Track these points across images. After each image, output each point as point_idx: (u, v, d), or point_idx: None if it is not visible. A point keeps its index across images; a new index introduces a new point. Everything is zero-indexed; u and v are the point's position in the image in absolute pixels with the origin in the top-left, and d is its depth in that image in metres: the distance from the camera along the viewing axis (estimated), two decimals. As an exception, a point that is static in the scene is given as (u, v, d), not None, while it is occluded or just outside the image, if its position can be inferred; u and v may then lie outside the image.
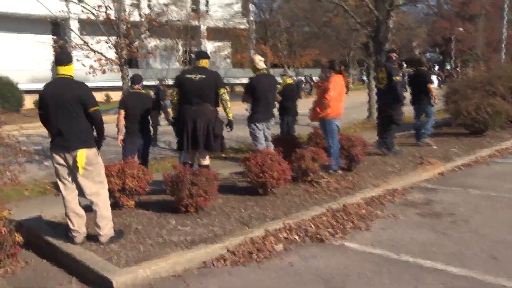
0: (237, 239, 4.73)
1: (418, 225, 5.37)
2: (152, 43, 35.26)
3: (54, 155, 4.56)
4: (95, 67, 9.38)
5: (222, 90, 6.09)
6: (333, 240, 4.96)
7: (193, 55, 41.17)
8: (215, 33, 40.65)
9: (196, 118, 6.00)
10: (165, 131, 13.42)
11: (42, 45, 10.02)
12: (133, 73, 7.15)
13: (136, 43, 9.72)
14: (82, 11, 9.67)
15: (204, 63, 6.19)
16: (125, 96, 6.95)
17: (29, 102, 26.92)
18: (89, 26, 10.59)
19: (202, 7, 42.32)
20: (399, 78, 8.19)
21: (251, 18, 42.74)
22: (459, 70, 40.90)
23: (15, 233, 4.48)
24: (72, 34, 12.08)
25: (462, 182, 7.27)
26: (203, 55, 6.27)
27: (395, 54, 8.43)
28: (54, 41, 30.44)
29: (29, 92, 26.72)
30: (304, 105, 9.79)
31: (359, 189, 6.59)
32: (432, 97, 9.63)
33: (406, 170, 7.71)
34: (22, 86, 26.59)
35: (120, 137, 6.78)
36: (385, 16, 8.46)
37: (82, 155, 4.50)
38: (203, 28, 41.09)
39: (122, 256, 4.36)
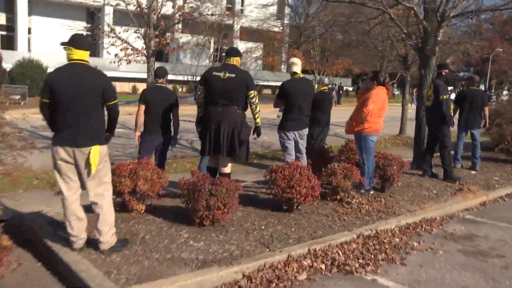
0: (256, 263, 4.15)
1: (461, 265, 4.70)
2: (184, 38, 35.08)
3: (60, 150, 4.04)
4: (120, 56, 8.89)
5: (252, 93, 5.53)
6: (364, 273, 4.33)
7: (223, 53, 40.57)
8: (248, 34, 40.28)
9: (220, 121, 5.46)
10: (188, 129, 12.94)
11: (74, 31, 9.70)
12: (159, 66, 6.60)
13: (167, 35, 9.19)
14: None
15: (235, 61, 5.62)
16: (147, 89, 6.40)
17: (57, 86, 26.80)
18: (121, 15, 10.15)
19: (237, 7, 42.00)
20: (446, 97, 7.50)
21: (285, 21, 42.18)
22: (493, 91, 39.51)
23: (2, 237, 3.96)
24: (105, 24, 11.77)
25: (508, 217, 6.54)
26: (234, 52, 5.70)
27: (446, 70, 7.72)
28: (87, 29, 30.55)
29: (57, 76, 26.63)
30: (332, 114, 9.13)
31: (393, 214, 5.94)
32: (485, 120, 9.00)
33: (444, 196, 7.02)
34: (51, 70, 26.54)
35: (137, 133, 6.25)
36: (435, 28, 7.76)
37: (96, 152, 4.07)
38: (236, 27, 40.76)
39: (123, 271, 3.82)
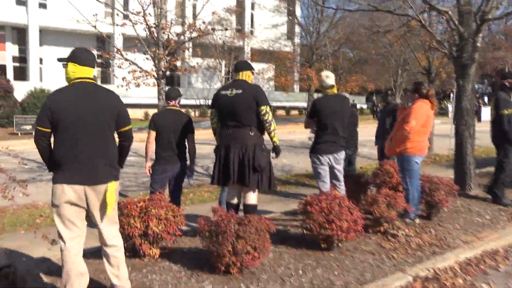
0: (298, 324, 3.32)
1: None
2: (195, 61, 34.72)
3: (67, 190, 3.29)
4: (128, 79, 8.22)
5: (263, 108, 4.73)
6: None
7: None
8: (260, 55, 39.86)
9: (229, 144, 4.76)
10: (203, 154, 12.19)
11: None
12: (169, 87, 5.85)
13: (177, 54, 8.51)
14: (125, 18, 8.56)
15: (245, 75, 4.91)
16: (157, 113, 5.65)
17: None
18: (130, 40, 9.42)
19: (247, 27, 41.69)
20: (507, 112, 6.61)
21: (296, 40, 41.73)
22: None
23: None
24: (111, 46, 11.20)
25: None
26: (243, 65, 4.97)
27: (510, 80, 6.85)
28: (98, 56, 30.30)
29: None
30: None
31: (448, 247, 5.08)
32: None
33: (500, 223, 6.13)
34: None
35: (148, 164, 5.50)
36: (473, 33, 6.97)
37: (113, 190, 3.41)
38: (247, 48, 40.37)
39: None
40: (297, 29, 41.54)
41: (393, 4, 9.96)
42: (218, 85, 39.77)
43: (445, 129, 17.35)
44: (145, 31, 8.32)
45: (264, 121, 4.77)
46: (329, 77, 5.57)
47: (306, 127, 5.92)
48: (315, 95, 40.09)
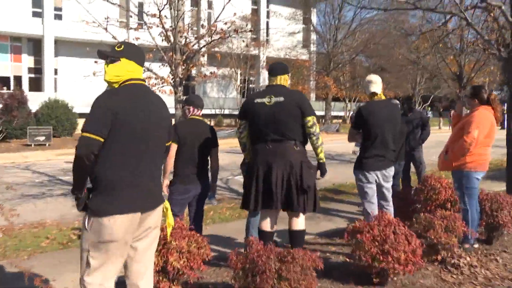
0: None
1: None
2: (210, 70, 34.18)
3: (123, 221, 2.60)
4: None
5: (310, 119, 4.02)
6: None
7: (251, 84, 39.95)
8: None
9: (271, 163, 3.97)
10: (220, 166, 11.49)
11: (97, 74, 8.97)
12: (190, 94, 5.11)
13: (195, 60, 7.83)
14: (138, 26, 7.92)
15: (282, 80, 4.17)
16: (180, 123, 4.87)
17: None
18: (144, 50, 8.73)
19: (263, 36, 41.12)
20: None
21: (313, 48, 41.07)
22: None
23: None
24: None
25: None
26: (280, 69, 4.20)
27: None
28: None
29: (83, 116, 25.99)
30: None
31: (522, 280, 4.27)
32: None
33: None
34: (77, 110, 26.01)
35: (166, 182, 4.76)
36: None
37: (169, 209, 3.00)
38: (262, 57, 39.80)
39: None
40: (314, 36, 40.95)
41: (426, 3, 9.20)
42: (233, 94, 39.20)
43: None
44: (161, 36, 7.68)
45: (310, 134, 4.05)
46: (372, 83, 4.78)
47: (350, 140, 5.05)
48: (332, 104, 39.46)
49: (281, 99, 3.99)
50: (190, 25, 8.13)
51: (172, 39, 7.35)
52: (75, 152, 2.56)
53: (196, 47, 8.03)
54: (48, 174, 13.00)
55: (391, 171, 4.77)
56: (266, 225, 4.16)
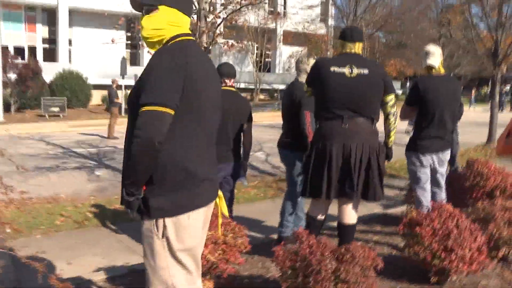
0: None
1: None
2: (218, 46, 33.48)
3: (202, 215, 2.15)
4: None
5: (392, 98, 3.51)
6: None
7: (268, 58, 39.15)
8: (294, 37, 38.39)
9: (349, 144, 3.39)
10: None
11: (111, 42, 8.56)
12: (223, 62, 4.56)
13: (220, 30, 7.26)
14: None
15: (360, 49, 3.57)
16: None
17: (97, 97, 25.89)
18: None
19: (280, 9, 40.15)
20: None
21: (331, 23, 40.05)
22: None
23: None
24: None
25: None
26: (358, 34, 3.59)
27: None
28: (128, 38, 29.36)
29: (97, 87, 25.61)
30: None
31: None
32: None
33: None
34: (91, 81, 25.60)
35: None
36: None
37: (222, 197, 2.39)
38: (280, 31, 38.93)
39: None
40: (332, 10, 39.88)
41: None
42: (249, 67, 38.49)
43: (485, 117, 15.64)
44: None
45: (390, 114, 3.55)
46: (430, 54, 4.18)
47: (403, 118, 4.44)
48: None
49: (365, 71, 3.43)
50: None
51: (196, 4, 6.77)
52: (136, 136, 1.91)
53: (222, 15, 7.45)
54: (62, 146, 12.65)
55: (447, 154, 4.24)
56: (319, 212, 3.63)
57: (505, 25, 11.98)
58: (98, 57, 29.35)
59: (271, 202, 6.99)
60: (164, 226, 2.01)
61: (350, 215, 3.51)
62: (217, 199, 2.30)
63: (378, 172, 3.39)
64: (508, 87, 38.63)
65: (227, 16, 7.08)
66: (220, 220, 2.45)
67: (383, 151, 3.51)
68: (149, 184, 2.01)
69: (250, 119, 4.34)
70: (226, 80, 4.26)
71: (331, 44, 37.88)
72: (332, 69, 3.44)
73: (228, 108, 4.10)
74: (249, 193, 7.53)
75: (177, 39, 2.10)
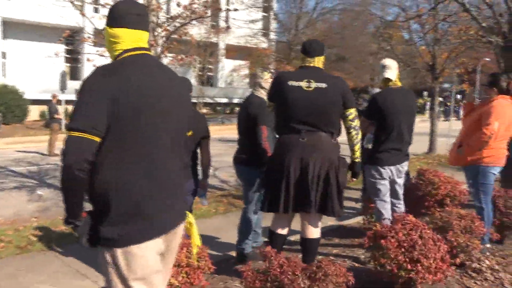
0: None
1: None
2: (166, 59, 33.13)
3: (154, 246, 2.01)
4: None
5: (353, 112, 3.51)
6: None
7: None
8: (237, 51, 38.57)
9: (307, 158, 3.37)
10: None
11: (54, 55, 8.19)
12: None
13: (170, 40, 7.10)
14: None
15: (320, 63, 3.57)
16: None
17: (35, 113, 24.74)
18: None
19: (222, 23, 40.27)
20: None
21: (273, 36, 40.61)
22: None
23: None
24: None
25: None
26: (319, 48, 3.59)
27: None
28: (68, 51, 28.36)
29: (36, 102, 24.53)
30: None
31: (547, 285, 3.90)
32: None
33: None
34: (29, 96, 24.48)
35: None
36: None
37: (194, 224, 2.32)
38: (222, 44, 39.01)
39: None
40: (274, 25, 40.40)
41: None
42: (192, 81, 38.28)
43: (423, 127, 16.26)
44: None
45: (351, 128, 3.53)
46: (386, 68, 4.23)
47: (362, 131, 4.46)
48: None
49: (323, 85, 3.40)
50: (161, 4, 7.37)
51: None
52: (61, 161, 1.85)
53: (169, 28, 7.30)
54: (-1, 166, 11.95)
55: (405, 165, 4.30)
56: (282, 227, 3.57)
57: (440, 40, 12.55)
58: (36, 71, 28.18)
59: (224, 217, 6.86)
60: (115, 256, 1.94)
61: (313, 230, 3.48)
62: (188, 225, 2.20)
63: (337, 187, 3.37)
64: (441, 99, 40.61)
65: (177, 28, 6.94)
66: (194, 250, 2.35)
67: (343, 166, 3.50)
68: (97, 213, 1.93)
69: (207, 134, 4.22)
70: None
71: (273, 58, 38.44)
72: (290, 83, 3.43)
73: None
74: (200, 209, 7.35)
75: (123, 56, 2.05)
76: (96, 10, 7.61)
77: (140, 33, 2.10)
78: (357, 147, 3.59)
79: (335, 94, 3.41)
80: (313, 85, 3.40)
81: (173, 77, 2.14)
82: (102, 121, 1.84)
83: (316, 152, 3.36)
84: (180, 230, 2.15)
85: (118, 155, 1.90)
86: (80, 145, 1.82)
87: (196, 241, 2.30)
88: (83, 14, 6.65)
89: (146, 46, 2.14)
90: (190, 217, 2.25)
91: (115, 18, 2.09)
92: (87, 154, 1.83)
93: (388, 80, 4.21)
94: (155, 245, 1.99)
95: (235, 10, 7.23)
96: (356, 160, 3.66)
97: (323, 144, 3.39)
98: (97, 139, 1.85)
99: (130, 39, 2.07)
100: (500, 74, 4.62)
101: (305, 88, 3.40)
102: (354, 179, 3.83)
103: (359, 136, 3.57)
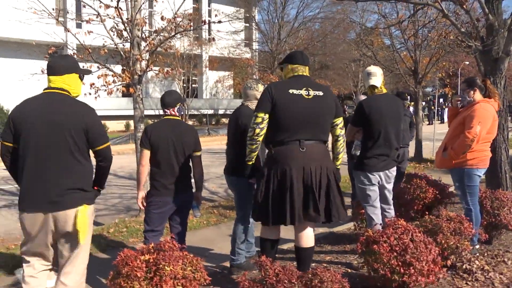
0: None
1: None
2: (150, 73, 33.13)
3: (27, 216, 3.00)
4: (98, 86, 6.80)
5: (341, 120, 3.58)
6: None
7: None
8: (220, 62, 38.67)
9: (309, 168, 3.38)
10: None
11: (41, 72, 8.17)
12: (165, 91, 4.40)
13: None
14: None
15: (308, 71, 3.62)
16: (152, 125, 4.23)
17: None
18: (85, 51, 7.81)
19: (205, 35, 40.39)
20: None
21: (255, 47, 40.81)
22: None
23: None
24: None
25: None
26: (306, 59, 3.65)
27: None
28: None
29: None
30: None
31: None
32: None
33: None
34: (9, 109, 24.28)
35: (141, 194, 4.12)
36: (509, 23, 6.06)
37: (85, 215, 3.03)
38: (205, 56, 39.07)
39: None
40: (257, 35, 40.62)
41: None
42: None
43: None
44: (112, 31, 6.93)
45: (339, 137, 3.60)
46: (371, 75, 4.31)
47: (349, 138, 4.51)
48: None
49: (320, 93, 3.45)
50: (145, 18, 7.41)
51: (129, 33, 6.63)
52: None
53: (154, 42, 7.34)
54: (-15, 184, 11.79)
55: (394, 171, 4.36)
56: (272, 234, 3.59)
57: (421, 45, 12.76)
58: (21, 89, 27.91)
59: (216, 228, 6.87)
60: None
61: (308, 238, 3.50)
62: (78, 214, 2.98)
63: (338, 192, 3.42)
64: (423, 103, 41.11)
65: (162, 42, 6.97)
66: (81, 234, 2.99)
67: (337, 172, 3.55)
68: None
69: (198, 147, 4.24)
70: (166, 110, 4.15)
71: (256, 68, 38.57)
72: (291, 91, 3.44)
73: (170, 138, 3.99)
74: (192, 221, 7.34)
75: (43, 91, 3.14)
76: (79, 26, 7.62)
77: (55, 78, 3.10)
78: (341, 155, 3.65)
79: (331, 101, 3.48)
80: (312, 93, 3.44)
81: (61, 107, 3.01)
82: (9, 135, 3.00)
83: (315, 161, 3.39)
84: (64, 216, 2.94)
85: (22, 157, 3.04)
86: (1, 148, 3.08)
87: (81, 230, 2.97)
88: (68, 30, 6.67)
89: (67, 86, 3.12)
90: (82, 211, 2.96)
91: (49, 68, 3.15)
92: (5, 151, 3.08)
93: (374, 87, 4.29)
94: (30, 218, 2.98)
95: (219, 22, 7.28)
96: (338, 168, 3.71)
97: (320, 153, 3.43)
98: (10, 145, 3.02)
99: (53, 81, 3.12)
100: (474, 77, 4.76)
101: (305, 96, 3.43)
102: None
103: (343, 146, 3.63)
